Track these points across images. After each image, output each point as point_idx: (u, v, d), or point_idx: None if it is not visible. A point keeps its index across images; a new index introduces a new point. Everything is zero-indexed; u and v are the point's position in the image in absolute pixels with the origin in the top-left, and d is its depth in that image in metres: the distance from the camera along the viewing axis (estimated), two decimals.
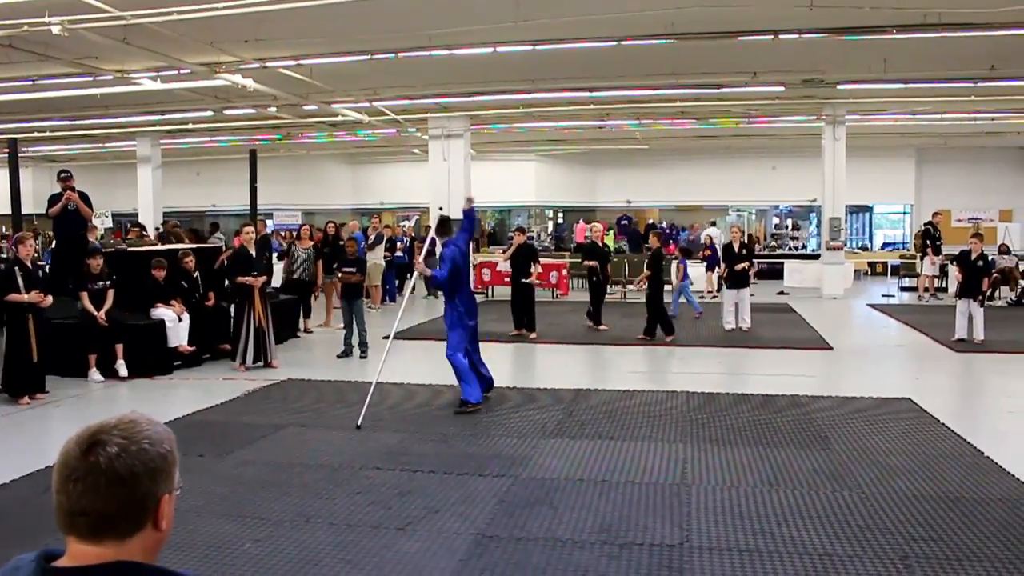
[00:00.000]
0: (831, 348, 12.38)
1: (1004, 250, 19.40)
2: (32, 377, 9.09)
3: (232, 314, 11.36)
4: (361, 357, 11.72)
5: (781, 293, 20.16)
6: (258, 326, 10.81)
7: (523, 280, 13.72)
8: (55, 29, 10.31)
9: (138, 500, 1.44)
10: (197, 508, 5.40)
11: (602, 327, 14.09)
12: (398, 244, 20.56)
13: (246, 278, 10.80)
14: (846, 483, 5.98)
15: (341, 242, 15.11)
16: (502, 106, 19.32)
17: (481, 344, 9.10)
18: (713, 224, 26.58)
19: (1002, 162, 27.85)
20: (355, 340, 11.83)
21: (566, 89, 17.04)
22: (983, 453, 6.69)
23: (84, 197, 11.65)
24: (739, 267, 13.91)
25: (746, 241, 14.53)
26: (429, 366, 11.40)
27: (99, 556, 1.42)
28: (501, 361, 11.96)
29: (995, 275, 16.69)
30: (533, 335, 13.51)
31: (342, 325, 12.21)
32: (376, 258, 17.57)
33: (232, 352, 11.06)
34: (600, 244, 14.84)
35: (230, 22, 11.07)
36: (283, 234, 23.76)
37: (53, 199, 11.56)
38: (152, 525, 1.47)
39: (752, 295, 14.15)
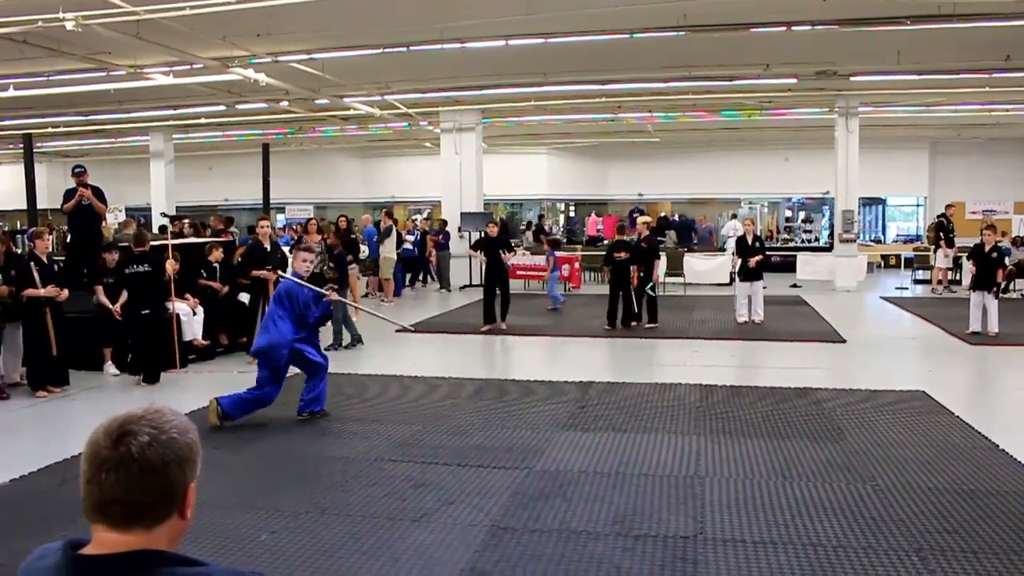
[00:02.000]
0: (844, 341, 12.34)
1: (1020, 242, 19.28)
2: (52, 370, 9.19)
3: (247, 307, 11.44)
4: (351, 346, 11.93)
5: (794, 286, 20.10)
6: None
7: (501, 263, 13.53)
8: (69, 25, 10.35)
9: (169, 488, 1.47)
10: (212, 500, 5.43)
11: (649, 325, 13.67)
12: (408, 238, 20.65)
13: (261, 271, 10.84)
14: (860, 475, 5.97)
15: (353, 235, 15.18)
16: (514, 99, 19.30)
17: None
18: (734, 217, 26.56)
19: (1017, 153, 27.61)
20: (346, 338, 11.95)
21: (578, 82, 17.02)
22: (998, 446, 6.67)
23: (98, 192, 11.72)
24: (753, 261, 13.87)
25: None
26: (443, 359, 11.45)
27: (127, 544, 1.44)
28: (512, 353, 11.99)
29: (1010, 268, 16.59)
30: (504, 325, 13.46)
31: None
32: (388, 252, 17.59)
33: (247, 345, 11.10)
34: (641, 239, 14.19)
35: (242, 16, 11.11)
36: (295, 228, 23.82)
37: (68, 194, 11.64)
38: (178, 513, 1.50)
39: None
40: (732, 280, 16.48)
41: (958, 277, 19.60)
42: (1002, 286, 13.52)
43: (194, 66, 14.09)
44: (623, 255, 13.62)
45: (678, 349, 11.87)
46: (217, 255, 11.99)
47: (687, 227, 27.79)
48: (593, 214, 30.64)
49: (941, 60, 15.10)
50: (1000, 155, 27.43)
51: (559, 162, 30.85)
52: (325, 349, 11.56)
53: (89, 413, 8.32)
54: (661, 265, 18.86)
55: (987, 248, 12.62)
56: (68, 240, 12.47)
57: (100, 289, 10.19)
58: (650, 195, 30.75)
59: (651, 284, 13.85)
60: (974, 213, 26.33)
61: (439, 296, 19.25)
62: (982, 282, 12.52)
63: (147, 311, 9.74)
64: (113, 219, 18.68)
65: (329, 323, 11.38)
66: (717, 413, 7.91)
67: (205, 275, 11.70)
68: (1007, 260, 14.36)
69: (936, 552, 4.61)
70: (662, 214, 28.76)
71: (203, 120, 21.32)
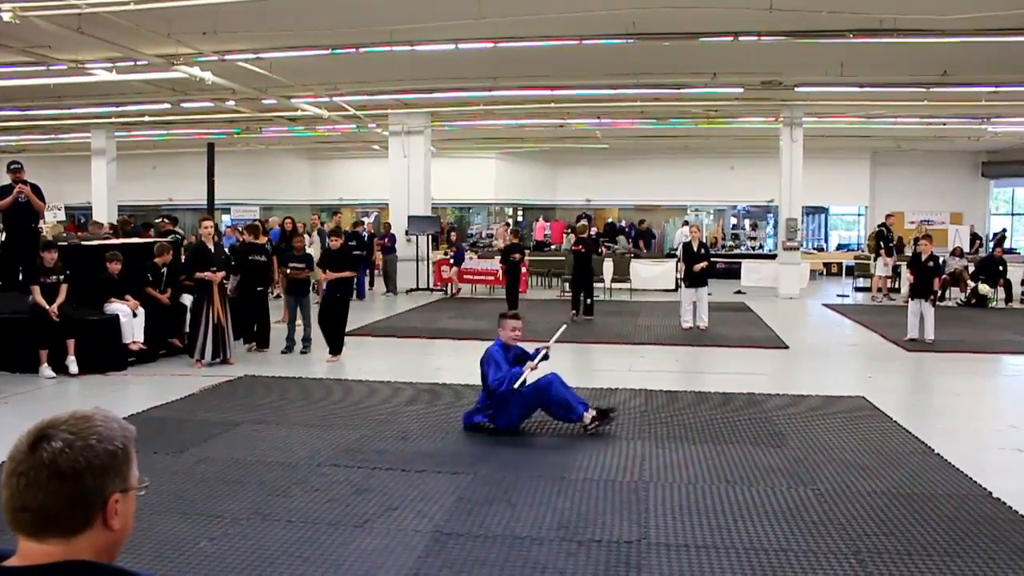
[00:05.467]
0: (787, 347, 12.55)
1: (959, 253, 19.82)
2: None
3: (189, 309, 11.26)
4: (303, 352, 11.64)
5: (738, 292, 20.39)
6: (216, 323, 10.68)
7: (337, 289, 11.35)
8: (6, 16, 10.06)
9: (81, 497, 1.41)
10: (151, 506, 5.30)
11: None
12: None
13: (204, 273, 10.65)
14: (801, 480, 6.06)
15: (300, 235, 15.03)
16: (463, 103, 19.28)
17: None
18: (686, 223, 26.87)
19: (953, 166, 28.48)
20: (299, 335, 11.80)
21: (527, 87, 17.07)
22: (933, 450, 6.83)
23: (36, 189, 11.41)
24: (697, 268, 14.03)
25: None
26: (389, 363, 11.36)
27: (46, 555, 1.38)
28: (458, 357, 11.95)
29: (946, 277, 17.04)
30: (334, 358, 11.15)
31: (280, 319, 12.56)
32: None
33: (189, 348, 10.92)
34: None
35: (188, 13, 10.93)
36: (240, 229, 23.49)
37: (3, 191, 11.30)
38: (103, 524, 1.43)
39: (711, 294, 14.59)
40: (678, 286, 16.65)
41: (897, 285, 20.08)
42: (938, 294, 13.86)
43: (138, 63, 13.78)
44: (516, 256, 15.95)
45: (623, 354, 11.94)
46: (166, 258, 11.73)
47: (641, 234, 28.13)
48: (541, 219, 30.75)
49: (882, 73, 15.49)
50: (937, 167, 28.25)
51: (508, 167, 30.92)
52: (281, 352, 11.53)
53: (20, 417, 8.05)
54: (607, 270, 19.22)
55: (924, 258, 12.95)
56: (3, 238, 12.13)
57: (37, 289, 9.89)
58: (598, 201, 30.99)
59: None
60: (912, 223, 27.00)
61: (385, 300, 19.12)
62: (920, 290, 12.84)
63: (260, 288, 11.95)
64: (52, 217, 18.24)
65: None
66: (661, 418, 7.96)
67: (151, 278, 11.45)
68: (943, 270, 14.73)
69: (874, 554, 4.69)
70: (609, 220, 28.97)
71: (147, 118, 20.91)
